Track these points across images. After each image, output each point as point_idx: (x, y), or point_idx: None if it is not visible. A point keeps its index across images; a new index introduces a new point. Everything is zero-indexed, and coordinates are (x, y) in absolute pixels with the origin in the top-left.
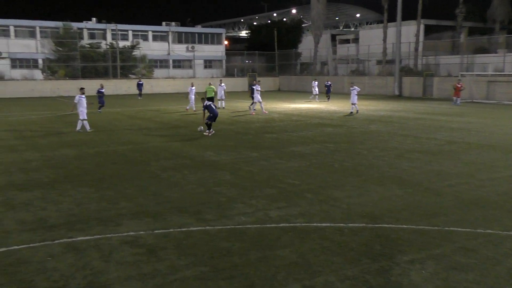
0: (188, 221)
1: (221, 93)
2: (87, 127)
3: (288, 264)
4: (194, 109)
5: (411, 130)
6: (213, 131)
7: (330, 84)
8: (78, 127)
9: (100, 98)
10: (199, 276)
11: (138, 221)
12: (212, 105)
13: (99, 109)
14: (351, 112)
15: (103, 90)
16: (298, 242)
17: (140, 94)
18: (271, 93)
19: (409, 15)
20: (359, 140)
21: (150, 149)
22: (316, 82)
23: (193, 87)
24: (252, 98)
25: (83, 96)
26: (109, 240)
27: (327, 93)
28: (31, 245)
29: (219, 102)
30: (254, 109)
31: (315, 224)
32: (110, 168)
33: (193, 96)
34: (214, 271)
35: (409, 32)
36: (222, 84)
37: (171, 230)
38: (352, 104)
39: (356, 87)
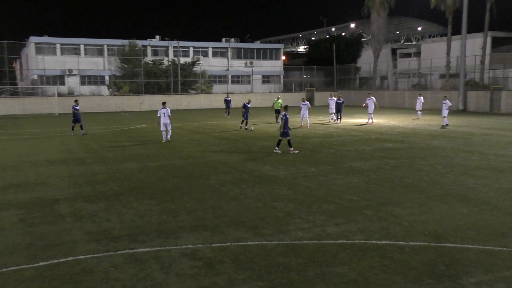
0: (246, 235)
1: (333, 106)
2: (163, 137)
3: (346, 281)
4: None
5: (477, 146)
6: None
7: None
8: (165, 138)
9: (244, 114)
10: None
11: (197, 234)
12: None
13: (246, 125)
14: (447, 125)
15: (249, 105)
16: (356, 259)
17: (227, 112)
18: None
19: (475, 27)
20: (421, 156)
21: (209, 163)
22: (422, 98)
23: (305, 102)
24: (338, 111)
25: (165, 109)
26: (169, 252)
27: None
28: (95, 255)
29: (336, 114)
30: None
31: (374, 242)
32: (171, 182)
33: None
34: (271, 286)
35: (474, 45)
36: (334, 98)
37: (229, 244)
38: (444, 117)
39: (448, 101)
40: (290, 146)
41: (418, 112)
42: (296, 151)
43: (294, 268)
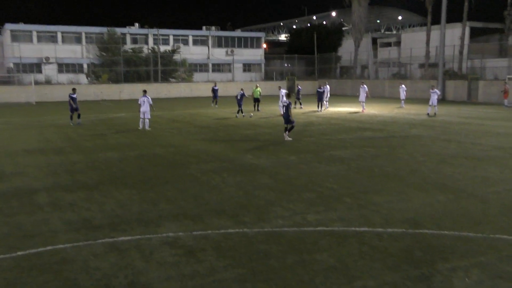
0: (227, 224)
1: (327, 95)
2: (140, 124)
3: (326, 268)
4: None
5: (454, 135)
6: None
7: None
8: (142, 125)
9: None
10: (237, 278)
11: (178, 223)
12: (286, 107)
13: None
14: (428, 114)
15: (241, 93)
16: (336, 246)
17: (215, 101)
18: (309, 97)
19: (454, 17)
20: (400, 144)
21: (190, 152)
22: (403, 86)
23: (283, 89)
24: (319, 100)
25: (146, 97)
26: (149, 241)
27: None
28: (75, 244)
29: (325, 103)
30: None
31: (353, 229)
32: (151, 171)
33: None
34: (252, 273)
35: (453, 35)
36: (327, 86)
37: (210, 232)
38: (429, 105)
39: (437, 90)
40: (287, 131)
41: (402, 101)
42: (290, 139)
43: (275, 255)
